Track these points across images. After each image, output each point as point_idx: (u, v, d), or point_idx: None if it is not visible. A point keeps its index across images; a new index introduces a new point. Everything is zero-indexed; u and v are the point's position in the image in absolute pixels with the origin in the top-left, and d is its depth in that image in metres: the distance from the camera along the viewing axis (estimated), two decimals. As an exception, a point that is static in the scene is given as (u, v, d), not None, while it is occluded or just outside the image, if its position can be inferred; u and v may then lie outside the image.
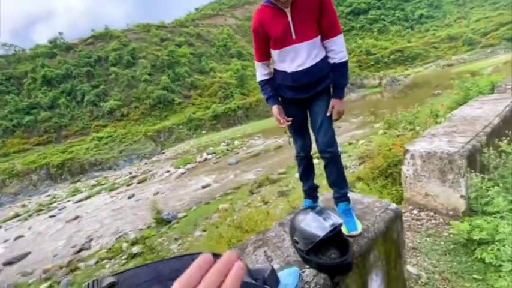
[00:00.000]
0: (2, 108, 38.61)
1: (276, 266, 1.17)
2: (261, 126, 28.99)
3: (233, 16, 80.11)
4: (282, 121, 1.49)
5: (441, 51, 52.19)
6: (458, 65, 39.99)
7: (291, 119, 1.49)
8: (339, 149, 1.54)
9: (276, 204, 7.24)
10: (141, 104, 42.17)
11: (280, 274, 1.02)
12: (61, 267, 8.35)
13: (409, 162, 2.49)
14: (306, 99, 1.45)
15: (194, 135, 33.44)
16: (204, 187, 12.78)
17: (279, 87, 1.49)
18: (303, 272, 1.09)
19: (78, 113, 40.56)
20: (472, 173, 2.17)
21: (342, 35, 1.36)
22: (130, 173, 22.52)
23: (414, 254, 2.09)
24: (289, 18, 1.29)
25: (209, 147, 23.27)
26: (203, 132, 34.83)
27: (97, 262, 7.85)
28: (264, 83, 1.53)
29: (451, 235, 2.17)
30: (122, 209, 13.15)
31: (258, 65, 1.53)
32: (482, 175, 2.16)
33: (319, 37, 1.34)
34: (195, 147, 26.86)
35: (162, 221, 9.68)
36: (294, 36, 1.30)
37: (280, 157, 14.39)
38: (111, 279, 0.71)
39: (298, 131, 1.59)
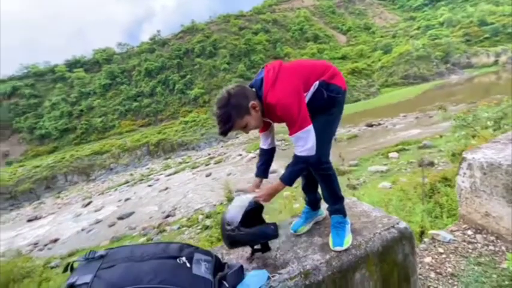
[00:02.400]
0: (118, 96, 48.46)
1: (252, 266, 1.22)
2: (334, 114, 27.36)
3: (311, -4, 76.11)
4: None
5: None
6: None
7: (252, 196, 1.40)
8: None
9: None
10: (220, 92, 45.66)
11: (246, 274, 1.07)
12: (154, 228, 10.24)
13: (465, 173, 1.97)
14: None
15: (266, 122, 34.35)
16: (271, 172, 13.15)
17: None
18: (272, 277, 1.09)
19: (170, 100, 47.18)
20: None
21: (297, 133, 1.23)
22: (209, 154, 25.13)
23: (450, 281, 1.68)
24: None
25: (279, 134, 23.60)
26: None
27: (179, 228, 9.27)
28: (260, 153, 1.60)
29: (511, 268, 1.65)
30: (200, 185, 14.94)
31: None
32: None
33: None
34: (266, 133, 27.65)
35: (232, 200, 10.59)
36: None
37: (353, 147, 13.39)
38: (102, 252, 0.93)
39: None
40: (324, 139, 1.35)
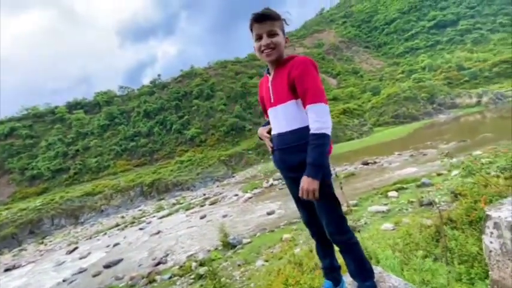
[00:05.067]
0: (115, 136, 48.83)
1: None
2: (330, 152, 27.66)
3: (302, 45, 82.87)
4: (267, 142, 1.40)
5: None
6: None
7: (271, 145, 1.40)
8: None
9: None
10: (217, 131, 46.59)
11: None
12: (143, 277, 9.40)
13: (492, 233, 1.82)
14: (298, 176, 1.21)
15: (262, 160, 34.38)
16: (269, 213, 12.73)
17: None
18: None
19: (167, 139, 47.60)
20: None
21: (320, 104, 1.16)
22: (204, 195, 24.47)
23: None
24: (270, 82, 1.34)
25: (276, 173, 23.42)
26: (270, 157, 35.54)
27: (170, 277, 8.53)
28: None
29: None
30: (194, 228, 14.22)
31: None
32: None
33: (296, 101, 1.24)
34: (262, 172, 27.50)
35: (228, 245, 9.96)
36: (272, 100, 1.33)
37: (351, 186, 13.24)
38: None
39: (297, 205, 1.42)
40: (337, 200, 1.27)
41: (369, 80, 62.76)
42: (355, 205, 9.76)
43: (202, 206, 19.70)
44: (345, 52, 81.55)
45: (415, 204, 7.72)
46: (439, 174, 10.47)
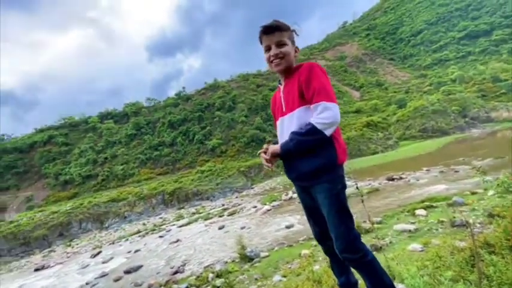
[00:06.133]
0: (141, 145, 51.09)
1: None
2: (353, 166, 26.80)
3: (324, 58, 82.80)
4: (266, 162, 1.29)
5: None
6: None
7: (269, 165, 1.29)
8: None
9: (368, 259, 6.15)
10: (237, 142, 47.15)
11: None
12: (160, 285, 9.48)
13: None
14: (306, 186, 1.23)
15: (281, 173, 34.03)
16: (287, 227, 12.42)
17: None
18: None
19: (189, 149, 48.91)
20: None
21: (325, 103, 1.14)
22: (223, 205, 24.55)
23: None
24: (281, 92, 1.32)
25: (290, 189, 23.01)
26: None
27: (187, 287, 8.52)
28: None
29: None
30: (212, 238, 14.22)
31: None
32: None
33: (306, 107, 1.21)
34: (281, 184, 27.15)
35: (245, 257, 9.81)
36: (284, 109, 1.29)
37: (374, 203, 12.62)
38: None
39: (309, 219, 1.39)
40: (350, 215, 1.22)
41: (394, 92, 60.78)
42: (379, 222, 9.26)
43: (220, 216, 19.73)
44: (369, 64, 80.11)
45: (446, 224, 7.16)
46: (473, 193, 9.68)
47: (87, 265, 15.44)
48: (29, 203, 40.25)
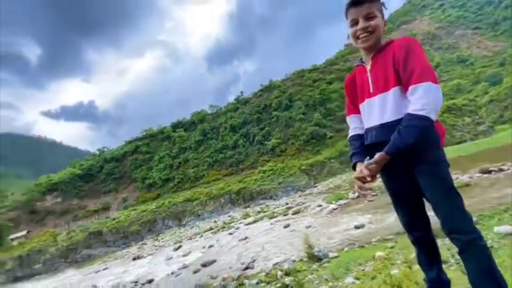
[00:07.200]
0: (208, 149, 55.58)
1: None
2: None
3: (387, 41, 74.67)
4: (359, 187, 1.17)
5: None
6: None
7: (369, 188, 1.16)
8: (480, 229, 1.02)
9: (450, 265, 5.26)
10: (297, 141, 46.65)
11: None
12: (233, 279, 10.10)
13: None
14: (401, 170, 1.13)
15: (346, 169, 32.10)
16: (357, 227, 11.62)
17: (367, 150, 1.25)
18: None
19: (250, 151, 50.77)
20: None
21: (426, 83, 1.00)
22: (287, 204, 24.61)
23: None
24: (368, 72, 1.20)
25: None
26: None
27: (257, 283, 8.82)
28: (351, 139, 1.35)
29: None
30: (278, 237, 14.40)
31: (348, 121, 1.39)
32: None
33: (401, 87, 1.10)
34: (347, 182, 25.57)
35: (313, 257, 9.59)
36: (371, 90, 1.18)
37: (466, 201, 10.67)
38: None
39: (396, 205, 1.25)
40: (459, 194, 1.13)
41: (483, 67, 50.43)
42: (475, 223, 7.80)
43: (285, 215, 19.82)
44: (445, 39, 68.56)
45: None
46: None
47: (171, 257, 17.60)
48: (125, 203, 48.41)
